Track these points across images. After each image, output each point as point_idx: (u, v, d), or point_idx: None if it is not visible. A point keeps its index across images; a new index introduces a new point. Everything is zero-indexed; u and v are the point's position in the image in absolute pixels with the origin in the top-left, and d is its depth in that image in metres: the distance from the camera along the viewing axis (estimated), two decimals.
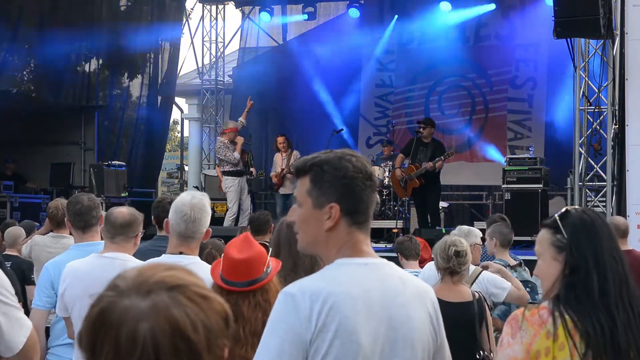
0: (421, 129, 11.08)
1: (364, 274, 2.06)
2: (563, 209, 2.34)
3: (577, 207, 2.39)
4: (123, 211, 3.84)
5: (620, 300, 2.20)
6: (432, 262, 4.78)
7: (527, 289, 5.65)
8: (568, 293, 2.22)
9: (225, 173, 11.63)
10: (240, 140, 11.60)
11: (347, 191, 2.06)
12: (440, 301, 4.41)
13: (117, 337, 1.18)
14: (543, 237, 2.33)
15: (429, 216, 11.33)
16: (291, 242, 3.32)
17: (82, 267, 3.72)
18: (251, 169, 12.26)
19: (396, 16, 16.15)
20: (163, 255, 3.52)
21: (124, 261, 3.67)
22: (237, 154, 11.44)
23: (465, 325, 4.39)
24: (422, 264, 6.06)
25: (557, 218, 2.30)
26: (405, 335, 2.07)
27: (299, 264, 3.29)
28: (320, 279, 2.05)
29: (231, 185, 11.53)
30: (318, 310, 1.96)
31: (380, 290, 2.05)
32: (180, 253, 3.41)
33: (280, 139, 12.32)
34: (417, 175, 10.96)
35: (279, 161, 12.29)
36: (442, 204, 12.34)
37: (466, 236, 5.33)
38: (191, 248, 3.46)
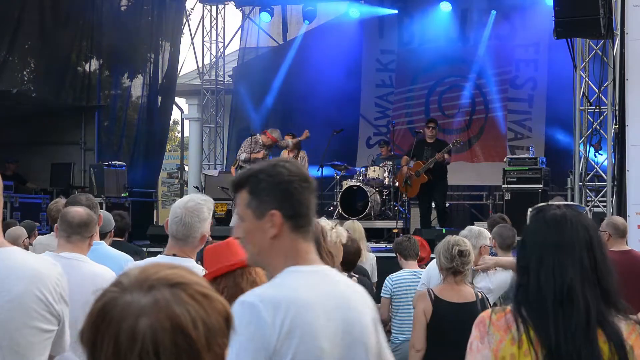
0: (431, 129, 11.18)
1: (315, 281, 2.08)
2: (542, 205, 2.29)
3: (558, 204, 2.30)
4: (80, 210, 3.77)
5: (561, 308, 2.11)
6: (435, 261, 4.77)
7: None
8: (517, 296, 2.18)
9: (237, 169, 11.71)
10: (262, 154, 11.67)
11: (285, 196, 2.07)
12: (443, 302, 4.46)
13: (117, 332, 1.19)
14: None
15: (436, 214, 11.39)
16: None
17: None
18: None
19: (396, 11, 16.16)
20: (159, 255, 3.51)
21: (81, 262, 3.64)
22: (244, 156, 11.48)
23: (468, 326, 4.38)
24: (419, 262, 6.09)
25: (529, 213, 2.29)
26: (359, 337, 2.10)
27: None
28: (276, 287, 2.06)
29: None
30: (281, 318, 1.96)
31: (333, 295, 2.08)
32: (174, 255, 3.39)
33: (287, 138, 12.30)
34: (425, 171, 11.01)
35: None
36: None
37: (476, 237, 5.35)
38: (185, 251, 3.40)
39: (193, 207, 3.39)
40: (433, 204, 11.59)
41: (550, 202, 2.29)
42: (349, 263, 5.00)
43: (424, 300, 4.44)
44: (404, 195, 11.96)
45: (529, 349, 2.11)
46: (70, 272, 3.55)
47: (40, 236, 6.07)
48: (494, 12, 15.24)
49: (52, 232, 5.66)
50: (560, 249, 2.16)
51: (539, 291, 2.14)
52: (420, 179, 11.13)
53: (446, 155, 10.97)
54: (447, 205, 12.85)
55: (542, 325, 2.11)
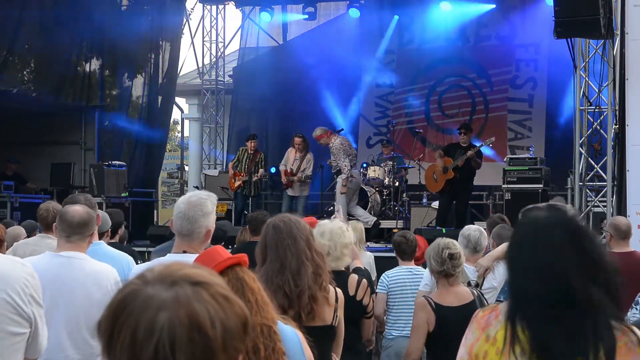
0: (462, 135, 11.34)
1: None
2: (534, 205, 2.26)
3: (551, 204, 2.22)
4: (79, 210, 3.72)
5: (552, 308, 2.02)
6: None
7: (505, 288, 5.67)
8: (509, 295, 2.14)
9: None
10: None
11: None
12: (444, 307, 4.42)
13: (136, 324, 1.20)
14: None
15: (455, 217, 11.50)
16: (277, 244, 3.32)
17: (38, 265, 3.49)
18: (260, 170, 12.29)
19: (397, 17, 16.15)
20: (167, 254, 3.46)
21: (82, 260, 3.61)
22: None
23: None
24: (415, 262, 6.13)
25: (520, 212, 2.24)
26: None
27: (285, 265, 3.30)
28: None
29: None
30: None
31: None
32: (184, 252, 3.36)
33: (297, 140, 12.19)
34: (453, 167, 11.07)
35: (291, 159, 12.20)
36: None
37: (486, 238, 5.37)
38: (194, 247, 3.37)
39: (196, 201, 3.39)
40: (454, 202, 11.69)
41: (539, 205, 2.25)
42: None
43: (424, 310, 4.37)
44: (428, 190, 12.15)
45: (501, 347, 2.07)
46: (73, 270, 3.54)
47: (23, 240, 5.90)
48: (493, 6, 15.20)
49: (36, 234, 5.56)
50: (552, 250, 2.07)
51: (533, 292, 2.06)
52: (446, 175, 11.20)
53: (478, 160, 11.08)
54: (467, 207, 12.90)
55: (540, 326, 2.03)
